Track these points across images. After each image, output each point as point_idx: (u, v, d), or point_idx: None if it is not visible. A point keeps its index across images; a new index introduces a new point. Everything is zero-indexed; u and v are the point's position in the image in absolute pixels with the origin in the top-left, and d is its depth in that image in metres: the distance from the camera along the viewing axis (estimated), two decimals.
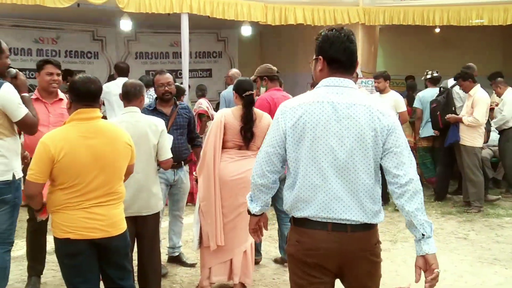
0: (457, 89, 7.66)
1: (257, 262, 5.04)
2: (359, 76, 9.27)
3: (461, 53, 11.12)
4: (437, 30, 11.03)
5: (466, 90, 7.17)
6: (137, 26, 10.48)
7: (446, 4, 9.37)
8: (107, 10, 8.36)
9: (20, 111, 3.66)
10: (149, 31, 11.58)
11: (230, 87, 7.02)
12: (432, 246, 2.34)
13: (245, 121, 4.20)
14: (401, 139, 2.38)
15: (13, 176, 3.71)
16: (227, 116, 4.23)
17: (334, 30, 2.45)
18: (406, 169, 2.35)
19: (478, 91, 7.08)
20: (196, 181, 4.41)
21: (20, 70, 8.45)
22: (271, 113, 5.07)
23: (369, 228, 2.41)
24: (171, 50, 11.82)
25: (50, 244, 5.10)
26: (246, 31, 10.25)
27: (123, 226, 3.21)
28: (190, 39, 8.25)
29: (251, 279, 4.39)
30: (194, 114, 6.24)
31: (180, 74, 8.80)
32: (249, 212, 2.72)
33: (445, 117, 7.36)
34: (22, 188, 3.70)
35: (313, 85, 3.05)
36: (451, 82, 7.92)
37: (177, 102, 4.95)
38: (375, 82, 7.54)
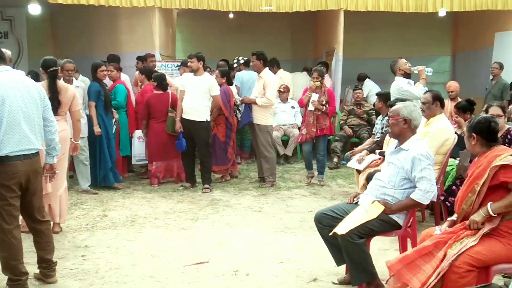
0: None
1: None
2: (158, 60, 9.24)
3: (253, 39, 11.72)
4: (231, 15, 11.43)
5: (259, 71, 7.57)
6: None
7: None
8: None
9: None
10: None
11: None
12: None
13: (51, 92, 5.18)
14: None
15: None
16: None
17: None
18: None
19: (268, 73, 7.56)
20: None
21: None
22: None
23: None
24: None
25: None
26: (34, 9, 9.46)
27: None
28: None
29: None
30: None
31: None
32: None
33: (240, 99, 7.75)
34: None
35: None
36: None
37: None
38: (189, 62, 7.46)
